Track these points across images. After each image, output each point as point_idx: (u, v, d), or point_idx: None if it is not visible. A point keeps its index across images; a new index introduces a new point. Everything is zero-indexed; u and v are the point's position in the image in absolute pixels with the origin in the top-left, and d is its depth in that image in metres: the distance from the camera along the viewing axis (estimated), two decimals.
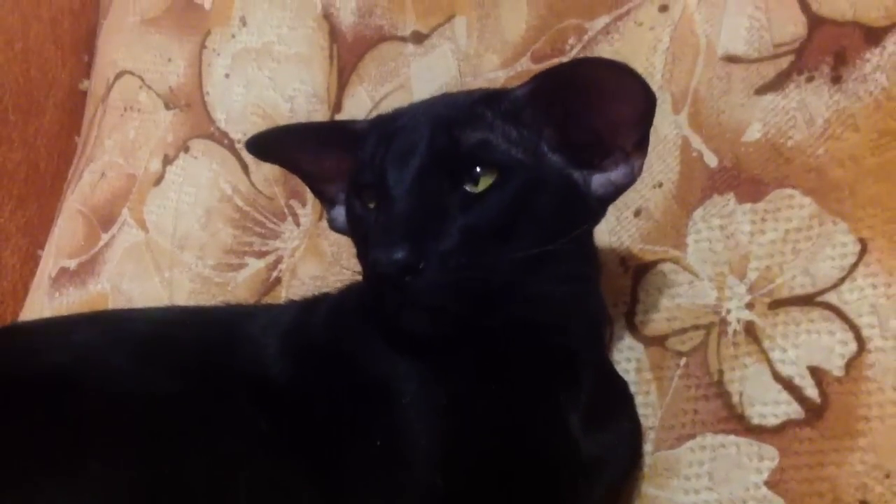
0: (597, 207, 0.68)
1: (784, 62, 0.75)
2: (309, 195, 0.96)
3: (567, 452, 0.64)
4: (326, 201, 0.76)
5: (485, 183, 0.62)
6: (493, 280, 0.61)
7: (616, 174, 0.66)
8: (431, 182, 0.62)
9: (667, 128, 0.79)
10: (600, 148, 0.66)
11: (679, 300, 0.74)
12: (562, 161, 0.65)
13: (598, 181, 0.66)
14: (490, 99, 0.66)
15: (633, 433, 0.71)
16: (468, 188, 0.62)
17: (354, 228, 0.69)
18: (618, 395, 0.72)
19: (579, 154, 0.66)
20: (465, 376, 0.63)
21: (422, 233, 0.59)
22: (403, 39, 0.96)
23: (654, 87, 0.78)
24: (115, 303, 1.03)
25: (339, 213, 0.74)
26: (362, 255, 0.66)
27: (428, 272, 0.58)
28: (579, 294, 0.68)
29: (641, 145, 0.66)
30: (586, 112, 0.64)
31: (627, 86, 0.62)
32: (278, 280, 0.95)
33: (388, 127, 0.67)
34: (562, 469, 0.64)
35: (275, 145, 0.75)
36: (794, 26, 0.75)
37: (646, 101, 0.63)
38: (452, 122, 0.64)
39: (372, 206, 0.65)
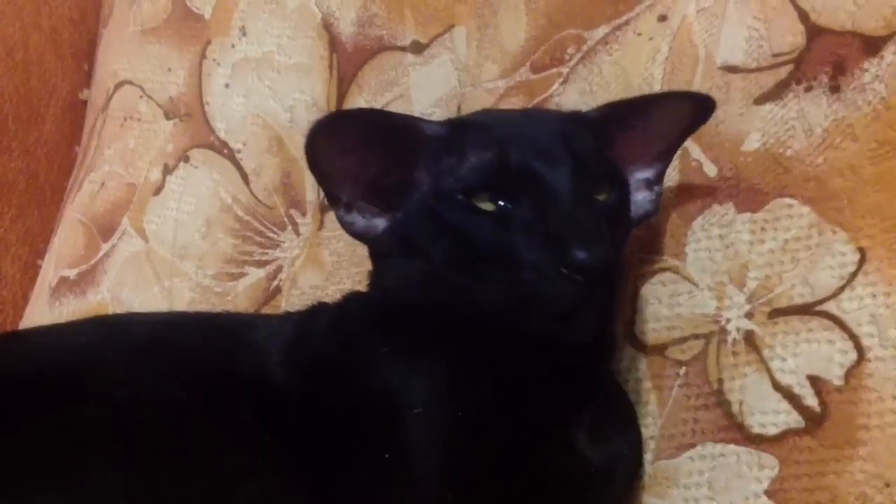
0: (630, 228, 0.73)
1: (783, 72, 0.75)
2: (309, 204, 0.96)
3: (576, 468, 0.64)
4: (341, 204, 0.70)
5: (604, 194, 0.65)
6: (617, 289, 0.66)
7: (641, 200, 0.73)
8: (581, 186, 0.63)
9: None
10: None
11: (678, 309, 0.74)
12: None
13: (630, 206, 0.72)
14: (573, 119, 0.70)
15: (635, 443, 0.71)
16: (598, 197, 0.65)
17: (461, 234, 0.63)
18: (619, 406, 0.72)
19: None
20: (478, 390, 0.63)
21: (602, 232, 0.61)
22: (403, 49, 0.96)
23: None
24: (114, 312, 1.03)
25: (356, 217, 0.70)
26: (472, 262, 0.63)
27: (607, 268, 0.61)
28: (615, 317, 0.72)
29: (662, 175, 0.74)
30: (630, 142, 0.71)
31: (696, 117, 0.71)
32: (278, 289, 0.95)
33: (498, 131, 0.66)
34: (570, 487, 0.63)
35: (356, 127, 0.68)
36: (792, 36, 0.75)
37: (692, 129, 0.72)
38: (569, 133, 0.66)
39: (499, 203, 0.63)
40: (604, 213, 0.64)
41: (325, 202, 0.94)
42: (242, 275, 0.97)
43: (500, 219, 0.63)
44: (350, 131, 0.67)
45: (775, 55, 0.76)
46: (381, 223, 0.69)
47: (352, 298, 0.74)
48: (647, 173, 0.73)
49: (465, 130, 0.67)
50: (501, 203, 0.63)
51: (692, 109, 0.72)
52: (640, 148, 0.72)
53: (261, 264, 0.97)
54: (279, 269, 0.96)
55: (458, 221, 0.64)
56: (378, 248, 0.71)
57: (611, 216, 0.65)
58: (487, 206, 0.63)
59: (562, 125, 0.67)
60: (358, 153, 0.67)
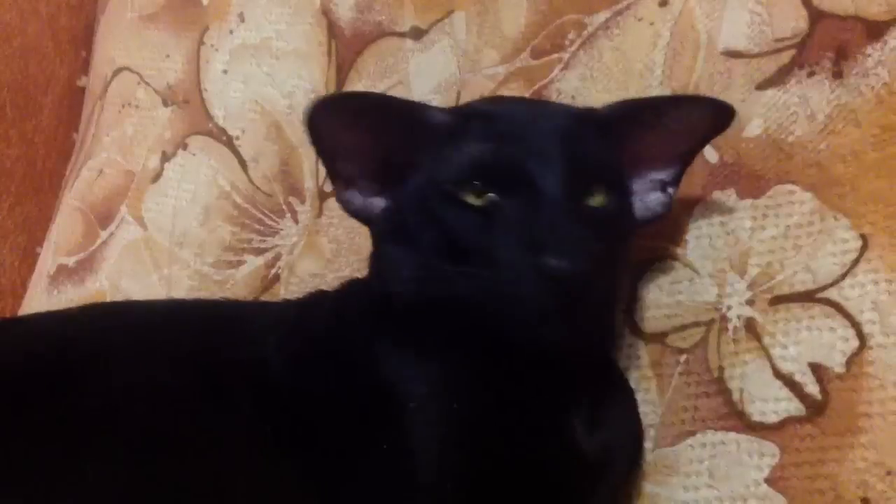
0: (634, 229, 0.71)
1: (785, 57, 0.74)
2: (308, 192, 0.95)
3: (574, 458, 0.64)
4: (342, 180, 0.69)
5: (599, 199, 0.64)
6: (604, 293, 0.65)
7: (652, 201, 0.71)
8: (572, 187, 0.62)
9: None
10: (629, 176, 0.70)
11: (679, 297, 0.74)
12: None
13: (639, 206, 0.71)
14: (584, 116, 0.68)
15: (635, 432, 0.71)
16: (589, 201, 0.63)
17: (449, 226, 0.63)
18: (619, 394, 0.71)
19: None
20: (476, 382, 0.62)
21: (583, 241, 0.59)
22: (402, 35, 0.95)
23: (655, 83, 0.79)
24: (113, 300, 1.02)
25: (354, 195, 0.69)
26: (459, 255, 0.62)
27: (586, 276, 0.59)
28: (607, 305, 0.70)
29: (679, 177, 0.72)
30: (646, 143, 0.69)
31: (714, 124, 0.70)
32: (277, 277, 0.95)
33: (496, 125, 0.65)
34: (569, 475, 0.63)
35: (359, 110, 0.67)
36: (795, 21, 0.75)
37: (712, 137, 0.71)
38: (571, 134, 0.65)
39: (486, 198, 0.62)
40: (596, 218, 0.62)
41: (324, 189, 0.94)
42: (241, 262, 0.97)
43: (485, 215, 0.62)
44: (355, 112, 0.66)
45: (777, 40, 0.75)
46: (378, 204, 0.68)
47: (351, 287, 0.73)
48: (661, 174, 0.71)
49: (467, 120, 0.66)
50: (489, 198, 0.62)
51: (711, 117, 0.70)
52: (654, 148, 0.70)
53: (259, 252, 0.96)
54: (278, 257, 0.95)
55: (444, 212, 0.63)
56: (374, 229, 0.70)
57: (605, 222, 0.63)
58: (475, 201, 0.62)
59: (568, 123, 0.66)
60: (361, 133, 0.67)
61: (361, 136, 0.67)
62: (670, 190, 0.71)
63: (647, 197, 0.71)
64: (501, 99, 0.82)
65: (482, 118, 0.66)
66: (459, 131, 0.65)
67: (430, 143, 0.65)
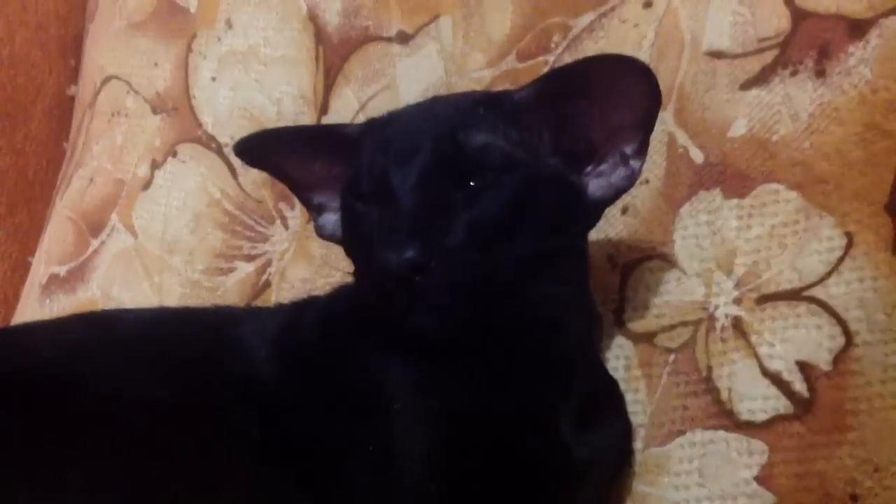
0: (594, 210, 0.68)
1: (768, 56, 0.75)
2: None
3: (559, 459, 0.64)
4: (314, 209, 0.75)
5: (482, 180, 0.62)
6: (498, 279, 0.61)
7: (615, 177, 0.67)
8: (436, 182, 0.62)
9: None
10: (597, 153, 0.67)
11: (667, 297, 0.74)
12: (560, 164, 0.66)
13: (597, 184, 0.67)
14: (491, 101, 0.67)
15: (624, 432, 0.71)
16: (471, 186, 0.62)
17: (352, 233, 0.68)
18: (607, 395, 0.72)
19: (576, 159, 0.67)
20: (459, 383, 0.63)
21: (430, 231, 0.60)
22: (389, 40, 0.95)
23: None
24: (104, 308, 1.02)
25: (328, 220, 0.73)
26: (362, 259, 0.66)
27: (437, 270, 0.58)
28: (575, 297, 0.69)
29: (642, 149, 0.66)
30: (588, 115, 0.66)
31: (635, 80, 0.63)
32: (268, 283, 0.95)
33: (385, 130, 0.67)
34: (554, 476, 0.63)
35: (263, 148, 0.74)
36: (777, 20, 0.75)
37: (651, 97, 0.64)
38: (455, 124, 0.64)
39: (373, 209, 0.64)
40: (480, 199, 0.62)
41: None
42: (232, 269, 0.97)
43: (367, 221, 0.65)
44: (270, 147, 0.74)
45: (761, 40, 0.75)
46: None
47: (339, 292, 0.74)
48: (623, 148, 0.67)
49: (367, 131, 0.69)
50: (369, 206, 0.65)
51: (628, 71, 0.64)
52: (594, 118, 0.66)
53: (250, 258, 0.97)
54: (268, 263, 0.96)
55: (348, 221, 0.68)
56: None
57: (497, 199, 0.62)
58: (363, 209, 0.66)
59: (451, 116, 0.66)
60: (289, 165, 0.74)
61: (303, 166, 0.73)
62: (633, 163, 0.67)
63: (612, 175, 0.67)
64: (410, 104, 0.77)
65: (378, 128, 0.68)
66: (361, 143, 0.68)
67: (349, 157, 0.68)
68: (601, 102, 0.65)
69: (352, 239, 0.68)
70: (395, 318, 0.61)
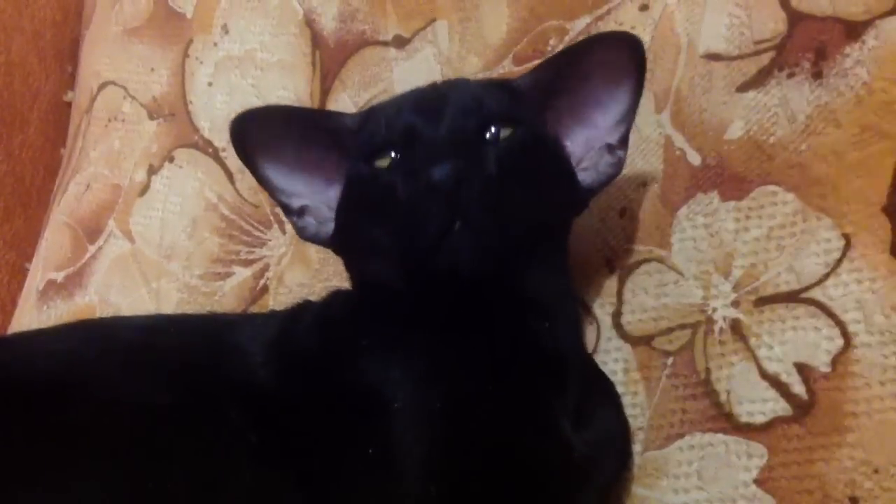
0: (584, 195, 0.72)
1: (765, 59, 0.75)
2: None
3: (561, 457, 0.64)
4: (293, 212, 0.75)
5: (505, 133, 0.67)
6: (514, 233, 0.64)
7: (603, 165, 0.71)
8: (465, 125, 0.66)
9: (649, 127, 0.79)
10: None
11: (665, 300, 0.74)
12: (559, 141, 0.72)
13: (585, 174, 0.71)
14: (496, 85, 0.73)
15: (622, 434, 0.71)
16: (489, 138, 0.66)
17: (365, 203, 0.68)
18: (603, 395, 0.71)
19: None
20: (458, 382, 0.63)
21: (467, 156, 0.63)
22: (385, 44, 0.95)
23: None
24: (102, 315, 1.02)
25: (309, 222, 0.74)
26: (378, 227, 0.66)
27: (478, 188, 0.62)
28: (563, 294, 0.71)
29: (625, 139, 0.71)
30: (582, 95, 0.70)
31: (618, 45, 0.69)
32: (265, 288, 0.95)
33: (398, 101, 0.72)
34: (556, 474, 0.63)
35: (264, 124, 0.74)
36: (774, 22, 0.75)
37: (637, 72, 0.69)
38: (471, 90, 0.70)
39: (390, 158, 0.67)
40: (504, 151, 0.66)
41: None
42: (229, 274, 0.97)
43: (393, 170, 0.67)
44: (276, 123, 0.74)
45: (757, 42, 0.75)
46: (330, 225, 0.73)
47: (335, 296, 0.74)
48: (608, 139, 0.71)
49: (369, 111, 0.73)
50: (392, 158, 0.67)
51: (619, 47, 0.69)
52: (587, 109, 0.71)
53: (247, 263, 0.97)
54: (266, 268, 0.95)
55: (363, 185, 0.69)
56: (334, 249, 0.75)
57: (516, 153, 0.66)
58: (382, 163, 0.67)
59: (466, 86, 0.72)
60: (287, 145, 0.73)
61: (289, 148, 0.73)
62: (619, 152, 0.71)
63: (599, 164, 0.71)
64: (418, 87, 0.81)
65: (381, 105, 0.73)
66: (364, 123, 0.71)
67: (347, 147, 0.71)
68: (591, 83, 0.70)
69: (365, 211, 0.68)
70: (429, 248, 0.62)
